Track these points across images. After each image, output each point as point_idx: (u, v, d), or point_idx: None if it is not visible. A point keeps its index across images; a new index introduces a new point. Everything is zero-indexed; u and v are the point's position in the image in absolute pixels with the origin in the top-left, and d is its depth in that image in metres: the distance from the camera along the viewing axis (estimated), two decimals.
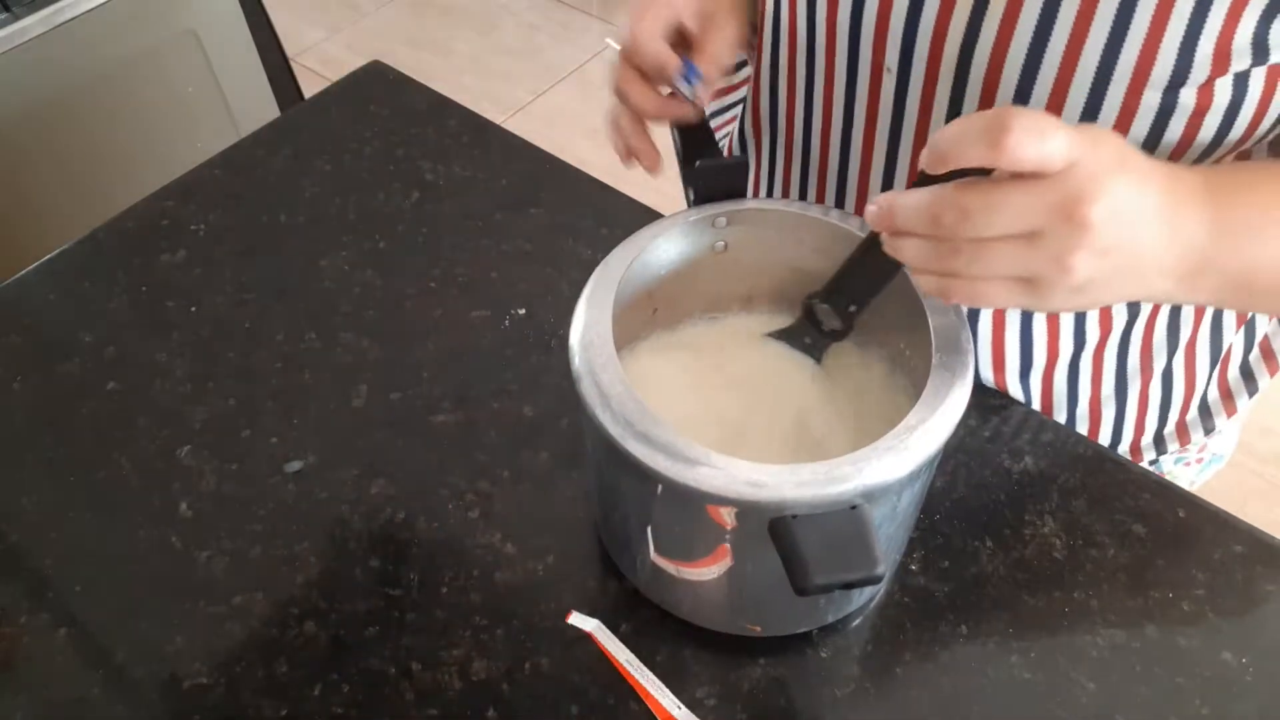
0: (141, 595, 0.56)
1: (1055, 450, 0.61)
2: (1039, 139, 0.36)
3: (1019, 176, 0.37)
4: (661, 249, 0.54)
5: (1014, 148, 0.35)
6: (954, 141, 0.37)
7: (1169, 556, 0.57)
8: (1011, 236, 0.38)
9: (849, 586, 0.39)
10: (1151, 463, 0.72)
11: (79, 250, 0.74)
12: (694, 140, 0.57)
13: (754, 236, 0.55)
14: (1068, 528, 0.58)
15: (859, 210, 0.65)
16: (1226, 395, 0.70)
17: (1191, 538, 0.58)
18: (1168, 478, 0.71)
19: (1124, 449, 0.70)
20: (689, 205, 0.55)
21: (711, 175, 0.54)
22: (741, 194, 0.55)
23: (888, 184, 0.62)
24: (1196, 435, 0.70)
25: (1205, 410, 0.70)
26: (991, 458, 0.61)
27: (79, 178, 1.28)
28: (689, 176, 0.55)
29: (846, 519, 0.40)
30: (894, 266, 0.46)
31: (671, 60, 0.55)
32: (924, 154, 0.39)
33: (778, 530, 0.41)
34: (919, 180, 0.41)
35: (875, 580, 0.39)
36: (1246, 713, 0.52)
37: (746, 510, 0.42)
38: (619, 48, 0.57)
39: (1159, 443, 0.71)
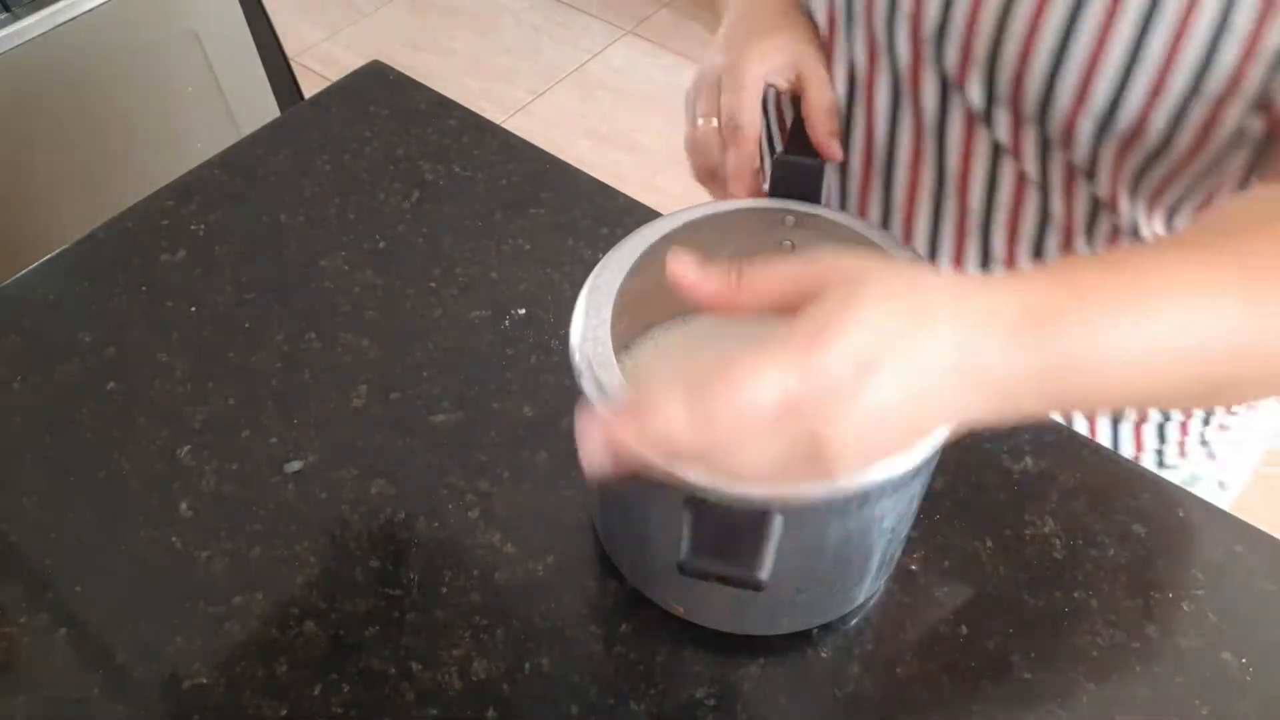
0: (141, 595, 0.56)
1: (1055, 450, 0.61)
2: (766, 268, 0.35)
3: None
4: (724, 227, 0.53)
5: (746, 279, 0.35)
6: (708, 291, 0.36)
7: (1169, 556, 0.57)
8: (766, 417, 0.32)
9: (725, 581, 0.39)
10: (1203, 442, 0.71)
11: (79, 250, 0.74)
12: (798, 135, 0.57)
13: (820, 245, 0.55)
14: (1068, 528, 0.58)
15: (905, 227, 0.65)
16: None
17: (1191, 538, 0.58)
18: (1219, 460, 0.71)
19: (1173, 426, 0.69)
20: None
21: (789, 170, 0.54)
22: (812, 197, 0.54)
23: (937, 186, 0.62)
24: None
25: None
26: (991, 458, 0.61)
27: (79, 178, 1.28)
28: (773, 165, 0.55)
29: (754, 520, 0.41)
30: None
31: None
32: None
33: (687, 507, 0.41)
34: None
35: (754, 586, 0.39)
36: (1246, 713, 0.52)
37: (685, 491, 0.42)
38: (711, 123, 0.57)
39: (1208, 413, 0.70)
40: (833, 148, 0.56)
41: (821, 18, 0.61)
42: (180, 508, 0.60)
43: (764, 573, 0.39)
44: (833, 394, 0.32)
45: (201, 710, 0.52)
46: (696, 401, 0.32)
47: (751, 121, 0.55)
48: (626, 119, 2.17)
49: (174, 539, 0.58)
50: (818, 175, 0.55)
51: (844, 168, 0.67)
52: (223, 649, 0.54)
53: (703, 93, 0.57)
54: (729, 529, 0.40)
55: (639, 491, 0.47)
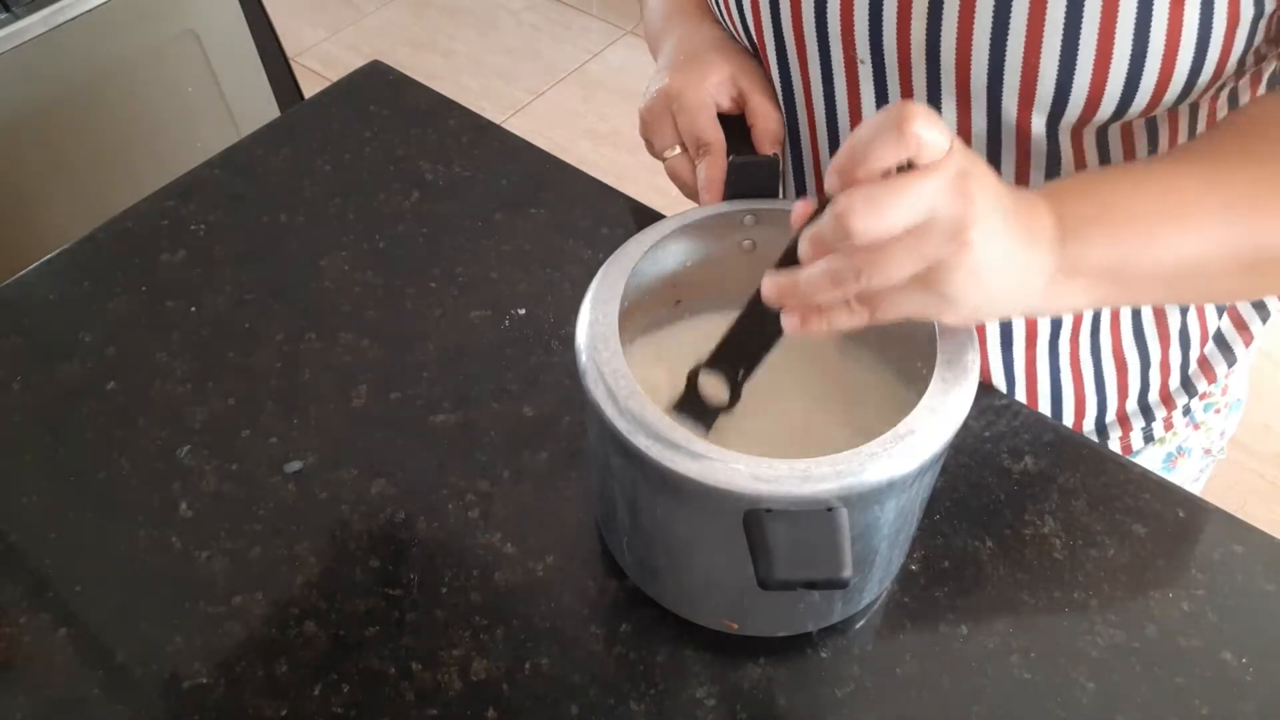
0: (141, 595, 0.56)
1: (1055, 450, 0.61)
2: (934, 122, 0.37)
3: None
4: (686, 240, 0.54)
5: (919, 131, 0.37)
6: (863, 144, 0.38)
7: (1169, 556, 0.57)
8: (908, 230, 0.38)
9: (812, 586, 0.40)
10: (1186, 411, 0.72)
11: (79, 250, 0.74)
12: (733, 134, 0.57)
13: (783, 238, 0.54)
14: (1068, 528, 0.58)
15: None
16: (1240, 325, 0.70)
17: (1191, 538, 0.58)
18: (1203, 428, 0.73)
19: (1155, 397, 0.71)
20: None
21: (742, 171, 0.55)
22: (771, 192, 0.55)
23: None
24: (1219, 368, 0.71)
25: (1222, 341, 0.71)
26: (991, 458, 0.61)
27: (79, 178, 1.28)
28: (728, 168, 0.56)
29: (821, 520, 0.41)
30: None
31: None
32: (830, 173, 0.39)
33: (750, 522, 0.41)
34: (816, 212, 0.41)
35: (841, 584, 0.39)
36: (1246, 713, 0.52)
37: (742, 503, 0.43)
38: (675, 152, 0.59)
39: (1187, 385, 0.71)
40: (777, 153, 0.58)
41: (746, 44, 0.62)
42: (180, 508, 0.60)
43: (848, 570, 0.39)
44: (968, 220, 0.38)
45: (201, 710, 0.52)
46: (869, 195, 0.38)
47: (716, 136, 0.57)
48: (626, 119, 2.17)
49: (174, 539, 0.58)
50: (769, 169, 0.55)
51: (797, 161, 0.68)
52: (223, 649, 0.54)
53: (656, 125, 0.60)
54: (798, 535, 0.40)
55: (645, 486, 0.47)
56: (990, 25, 0.50)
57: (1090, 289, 0.44)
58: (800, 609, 0.53)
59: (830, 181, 0.39)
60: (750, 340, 0.48)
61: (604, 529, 0.57)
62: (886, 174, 0.38)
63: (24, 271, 0.73)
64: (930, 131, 0.37)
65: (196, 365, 0.67)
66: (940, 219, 0.38)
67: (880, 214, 0.38)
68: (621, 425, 0.44)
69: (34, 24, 1.16)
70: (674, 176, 0.60)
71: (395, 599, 0.56)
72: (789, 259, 0.42)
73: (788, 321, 0.43)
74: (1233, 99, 0.57)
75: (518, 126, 1.63)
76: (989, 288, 0.41)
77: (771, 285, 0.43)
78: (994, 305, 0.42)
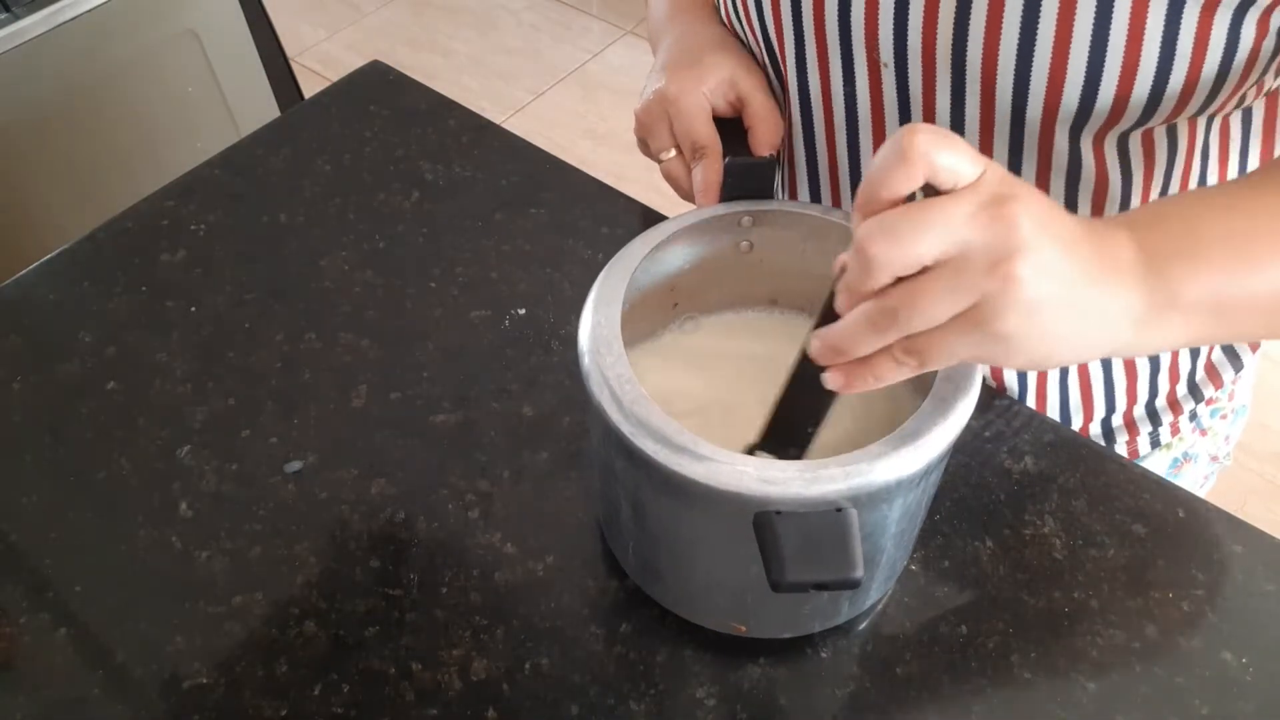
0: (141, 595, 0.56)
1: (1055, 450, 0.61)
2: (945, 140, 0.35)
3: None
4: (684, 243, 0.54)
5: (927, 152, 0.35)
6: (875, 175, 0.36)
7: (1169, 556, 0.57)
8: (941, 265, 0.36)
9: (823, 587, 0.39)
10: (1193, 417, 0.72)
11: (79, 250, 0.74)
12: (729, 136, 0.57)
13: (780, 239, 0.55)
14: (1068, 528, 0.58)
15: None
16: None
17: (1191, 538, 0.58)
18: (1210, 434, 0.73)
19: (1162, 403, 0.71)
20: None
21: (739, 172, 0.55)
22: (768, 193, 0.55)
23: None
24: (1227, 375, 0.71)
25: (1229, 348, 0.71)
26: (991, 458, 0.61)
27: (79, 178, 1.28)
28: (725, 168, 0.56)
29: (831, 520, 0.41)
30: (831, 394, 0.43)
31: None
32: (853, 213, 0.38)
33: (760, 524, 0.41)
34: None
35: (852, 584, 0.39)
36: (1246, 713, 0.52)
37: (751, 505, 0.43)
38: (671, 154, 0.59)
39: (1195, 390, 0.71)
40: (773, 155, 0.58)
41: (762, 47, 0.62)
42: (180, 508, 0.60)
43: (859, 570, 0.39)
44: (1009, 249, 0.35)
45: (201, 710, 0.52)
46: (886, 221, 0.36)
47: (712, 140, 0.57)
48: (626, 119, 2.16)
49: (174, 539, 0.58)
50: (767, 170, 0.56)
51: (813, 165, 0.68)
52: (223, 649, 0.54)
53: (652, 127, 0.59)
54: (808, 536, 0.40)
55: (648, 487, 0.47)
56: (1018, 31, 0.50)
57: (1189, 324, 0.41)
58: (807, 610, 0.53)
59: (854, 221, 0.38)
60: (800, 414, 0.45)
61: (607, 532, 0.57)
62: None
63: (24, 271, 0.73)
64: (946, 155, 0.35)
65: (196, 365, 0.67)
66: (975, 248, 0.36)
67: (898, 239, 0.36)
68: (626, 429, 0.44)
69: (34, 24, 1.16)
70: (670, 179, 0.59)
71: (395, 599, 0.56)
72: (829, 315, 0.40)
73: (831, 379, 0.41)
74: (1245, 109, 0.57)
75: (518, 126, 1.63)
76: (1056, 328, 0.37)
77: (815, 341, 0.41)
78: (1070, 348, 0.39)
